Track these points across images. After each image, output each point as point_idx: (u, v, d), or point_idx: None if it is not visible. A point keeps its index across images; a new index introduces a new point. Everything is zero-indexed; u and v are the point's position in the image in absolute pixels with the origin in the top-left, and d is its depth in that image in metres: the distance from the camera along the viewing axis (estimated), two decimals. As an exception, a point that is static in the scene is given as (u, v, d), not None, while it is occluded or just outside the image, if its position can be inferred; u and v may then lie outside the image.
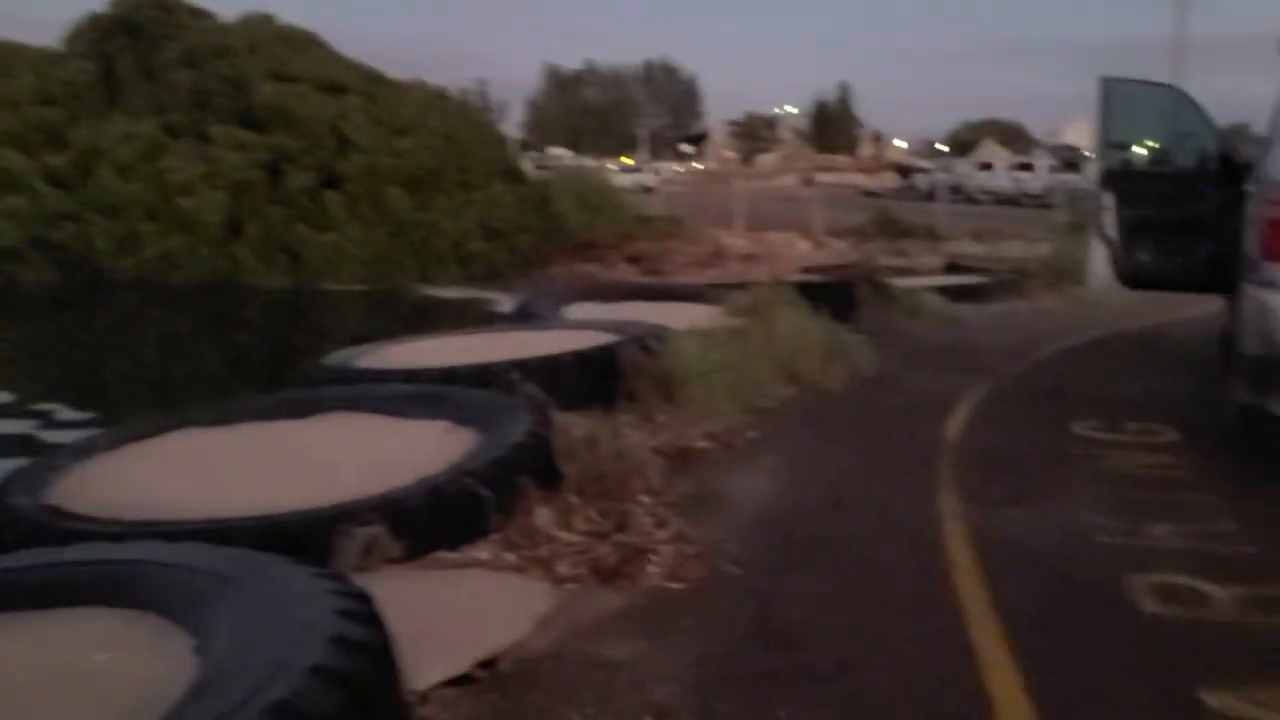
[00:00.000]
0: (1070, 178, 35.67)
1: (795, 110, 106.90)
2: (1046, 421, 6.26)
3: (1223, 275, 6.88)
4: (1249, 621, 3.41)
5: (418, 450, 4.64)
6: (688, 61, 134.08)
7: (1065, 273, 12.38)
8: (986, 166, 45.47)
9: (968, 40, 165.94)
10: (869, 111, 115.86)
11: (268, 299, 14.82)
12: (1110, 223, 7.11)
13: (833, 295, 9.29)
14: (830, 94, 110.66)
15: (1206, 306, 9.60)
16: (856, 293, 9.66)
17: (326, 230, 15.83)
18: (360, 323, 12.99)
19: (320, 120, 16.66)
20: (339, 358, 6.79)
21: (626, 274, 17.21)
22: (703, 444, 5.63)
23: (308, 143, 16.45)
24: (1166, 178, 7.09)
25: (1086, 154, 49.04)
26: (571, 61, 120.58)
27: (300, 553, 3.05)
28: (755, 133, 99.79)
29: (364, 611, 2.53)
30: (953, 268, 13.88)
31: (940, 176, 44.31)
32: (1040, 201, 37.20)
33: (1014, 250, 18.60)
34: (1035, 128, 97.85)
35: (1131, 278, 7.15)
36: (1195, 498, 4.77)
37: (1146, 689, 2.99)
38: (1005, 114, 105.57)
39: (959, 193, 38.26)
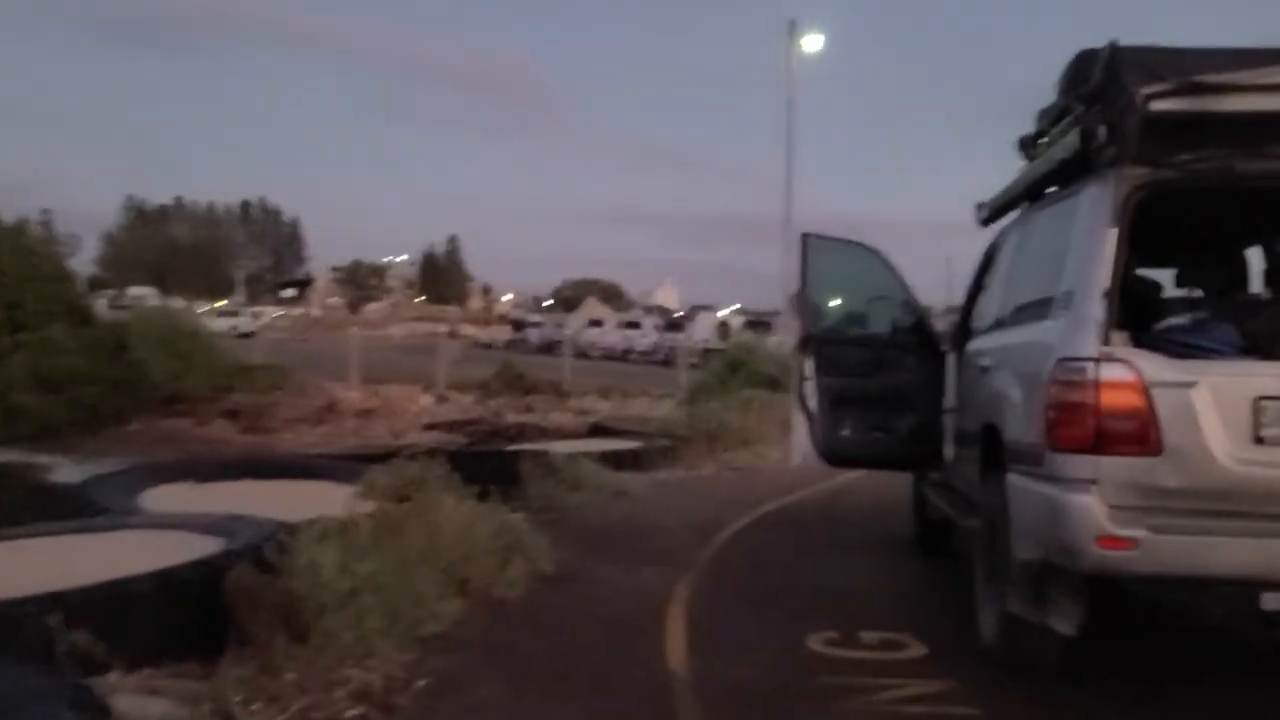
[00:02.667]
0: (675, 336, 37.30)
1: (404, 259, 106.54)
2: (775, 634, 5.15)
3: (925, 452, 6.37)
4: None
5: None
6: (290, 203, 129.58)
7: (715, 437, 11.91)
8: (598, 323, 46.85)
9: (570, 204, 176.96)
10: (477, 265, 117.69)
11: None
12: (811, 393, 6.38)
13: (489, 466, 7.92)
14: (440, 246, 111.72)
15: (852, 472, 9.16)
16: (517, 463, 8.31)
17: None
18: None
19: None
20: None
21: (223, 431, 14.84)
22: (353, 712, 3.90)
23: None
24: (867, 345, 6.49)
25: (676, 314, 52.24)
26: (160, 196, 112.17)
27: None
28: (362, 280, 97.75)
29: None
30: (599, 430, 12.98)
31: (550, 330, 45.07)
32: (648, 358, 38.63)
33: (640, 408, 18.38)
34: (631, 288, 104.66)
35: (834, 455, 6.42)
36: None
37: None
38: (603, 274, 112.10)
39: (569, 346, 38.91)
